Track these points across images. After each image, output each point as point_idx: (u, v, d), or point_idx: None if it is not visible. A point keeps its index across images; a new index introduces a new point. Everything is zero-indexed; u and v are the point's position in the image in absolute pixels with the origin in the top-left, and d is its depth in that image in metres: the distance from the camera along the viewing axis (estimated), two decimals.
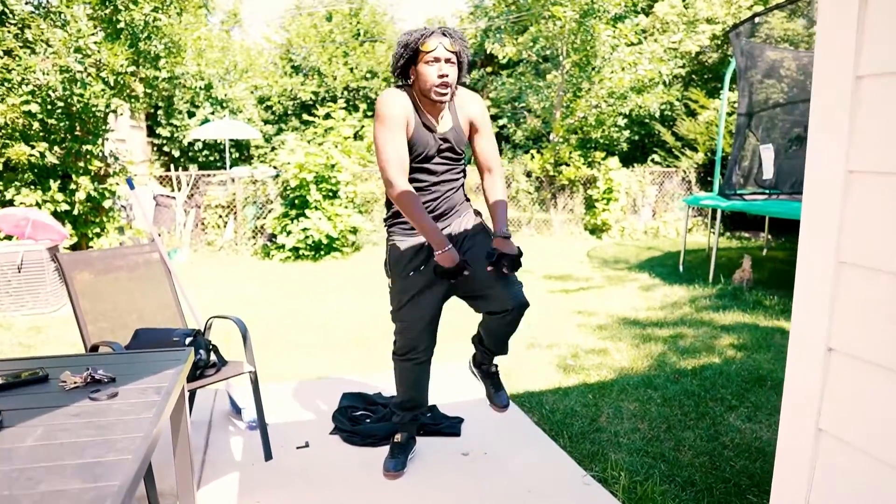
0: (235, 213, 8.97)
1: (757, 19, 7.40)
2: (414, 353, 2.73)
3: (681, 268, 7.69)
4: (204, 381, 2.68)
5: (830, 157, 1.43)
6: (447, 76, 2.31)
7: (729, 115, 11.20)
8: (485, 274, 2.45)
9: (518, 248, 2.48)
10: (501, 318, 2.54)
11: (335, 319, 5.55)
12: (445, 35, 2.32)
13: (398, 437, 2.82)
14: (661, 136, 11.83)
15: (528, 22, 10.00)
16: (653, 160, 11.87)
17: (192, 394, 3.10)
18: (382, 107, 2.32)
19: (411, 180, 2.42)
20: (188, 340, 2.66)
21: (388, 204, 2.60)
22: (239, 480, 2.71)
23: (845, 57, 1.35)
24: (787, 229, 10.48)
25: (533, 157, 10.69)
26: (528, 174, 10.64)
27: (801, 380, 1.63)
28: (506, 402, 2.87)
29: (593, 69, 9.62)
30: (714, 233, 6.85)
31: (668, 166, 11.71)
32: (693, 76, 12.49)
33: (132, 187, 3.23)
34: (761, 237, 10.41)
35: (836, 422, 1.51)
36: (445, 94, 2.34)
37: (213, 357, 2.88)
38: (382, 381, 3.89)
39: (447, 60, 2.31)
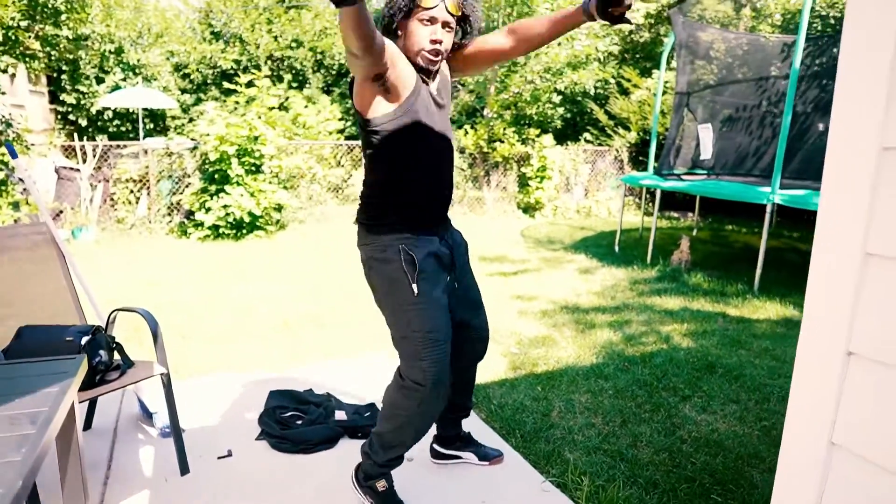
0: (149, 187, 8.27)
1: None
2: (444, 374, 2.06)
3: (616, 248, 7.62)
4: (104, 389, 2.27)
5: (861, 133, 1.20)
6: (440, 43, 1.93)
7: (662, 94, 11.25)
8: (478, 293, 2.32)
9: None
10: (479, 344, 2.38)
11: (258, 304, 5.12)
12: None
13: (383, 486, 2.25)
14: (594, 115, 11.78)
15: None
16: (585, 139, 11.82)
17: (94, 399, 2.66)
18: None
19: (410, 165, 2.00)
20: (84, 340, 2.23)
21: (375, 201, 2.08)
22: (150, 499, 2.32)
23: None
24: (715, 209, 10.66)
25: (466, 132, 10.41)
26: (462, 150, 10.35)
27: (813, 387, 1.40)
28: (500, 452, 2.67)
29: None
30: (652, 213, 6.81)
31: (600, 145, 11.68)
32: (625, 55, 12.49)
33: (14, 155, 2.71)
34: (690, 217, 10.55)
35: (853, 435, 1.30)
36: (434, 65, 1.96)
37: (116, 357, 2.46)
38: (312, 374, 3.54)
39: (445, 24, 1.93)
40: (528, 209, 10.52)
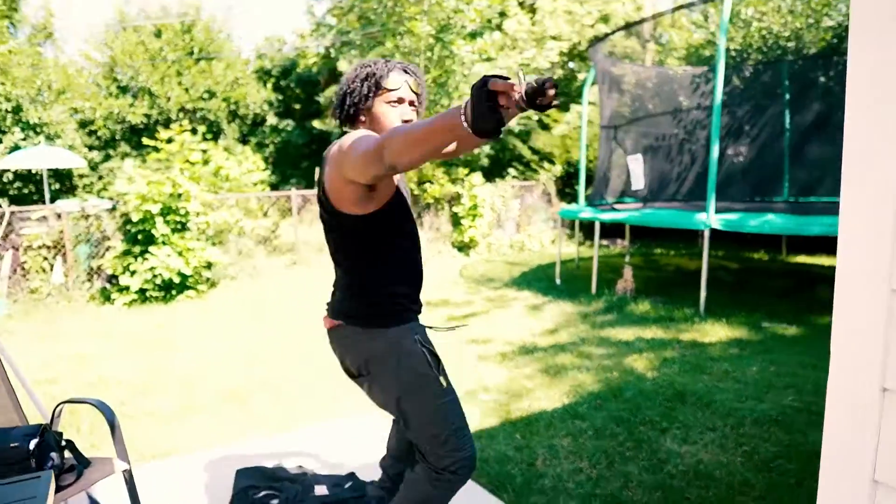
0: (65, 253, 7.71)
1: (612, 36, 7.65)
2: (473, 458, 1.96)
3: (558, 280, 7.69)
4: (61, 496, 1.98)
5: (881, 148, 1.18)
6: (410, 122, 1.84)
7: (579, 128, 11.63)
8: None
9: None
10: None
11: (202, 374, 4.78)
12: (408, 72, 1.89)
13: None
14: (518, 151, 12.03)
15: (382, 38, 9.70)
16: (511, 175, 12.02)
17: None
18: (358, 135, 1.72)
19: (398, 250, 1.89)
20: (33, 444, 1.96)
21: (367, 293, 1.91)
22: None
23: None
24: (642, 234, 11.01)
25: None
26: None
27: (849, 425, 1.36)
28: None
29: (455, 88, 9.50)
30: (583, 243, 6.95)
31: (526, 179, 11.91)
32: None
33: None
34: (619, 243, 10.85)
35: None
36: None
37: (67, 456, 2.18)
38: (278, 446, 3.30)
39: (410, 103, 1.88)
40: (463, 248, 10.53)
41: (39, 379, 4.72)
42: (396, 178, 1.85)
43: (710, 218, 5.54)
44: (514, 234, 10.96)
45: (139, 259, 7.26)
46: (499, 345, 5.23)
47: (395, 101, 1.83)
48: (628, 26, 7.06)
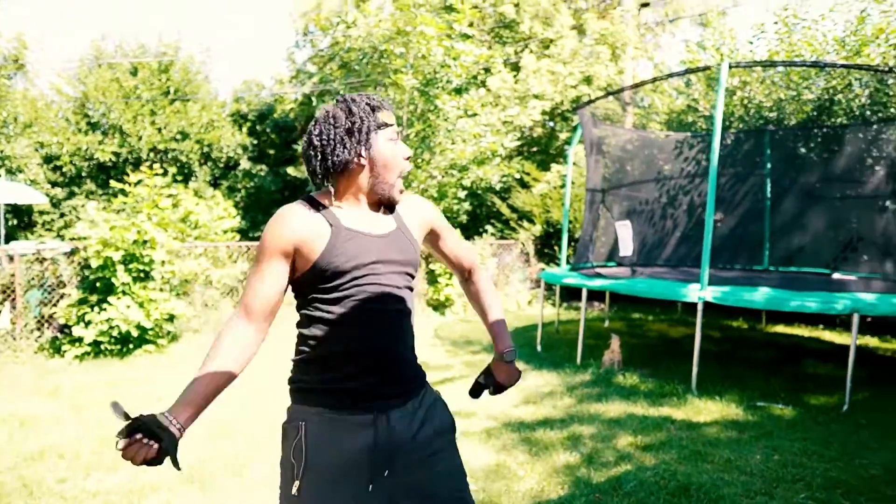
0: (14, 298, 7.18)
1: (600, 100, 7.59)
2: None
3: (538, 347, 7.41)
4: None
5: None
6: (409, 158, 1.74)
7: (562, 186, 11.55)
8: (459, 489, 1.75)
9: (519, 372, 2.05)
10: None
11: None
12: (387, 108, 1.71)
13: None
14: (497, 208, 11.88)
15: (369, 89, 9.56)
16: (489, 231, 11.84)
17: None
18: (264, 232, 1.63)
19: (337, 321, 1.62)
20: None
21: (296, 356, 1.73)
22: None
23: None
24: (619, 297, 10.83)
25: None
26: None
27: None
28: None
29: (437, 142, 9.34)
30: (559, 305, 6.70)
31: (503, 238, 11.73)
32: (522, 150, 12.86)
33: None
34: (597, 306, 10.65)
35: None
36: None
37: None
38: None
39: (398, 135, 1.73)
40: (439, 307, 10.21)
41: None
42: (350, 239, 1.63)
43: (705, 290, 5.34)
44: None
45: (96, 309, 6.78)
46: (482, 419, 4.87)
47: (395, 138, 1.68)
48: (620, 90, 6.99)
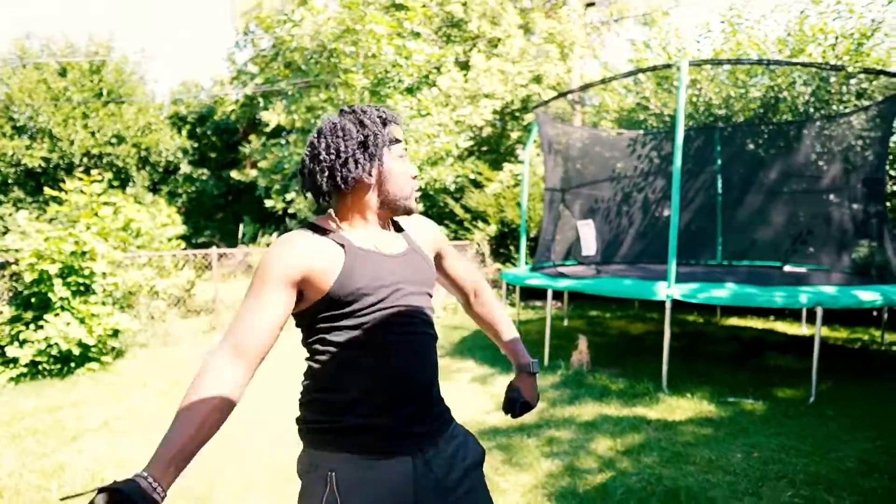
0: None
1: (554, 101, 7.53)
2: None
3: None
4: None
5: None
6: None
7: (515, 186, 11.51)
8: None
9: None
10: None
11: (103, 476, 3.98)
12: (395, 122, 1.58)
13: None
14: (450, 209, 11.74)
15: (316, 89, 9.26)
16: (443, 233, 11.67)
17: None
18: (264, 259, 1.43)
19: (362, 349, 1.43)
20: None
21: (308, 396, 1.51)
22: None
23: None
24: (576, 295, 10.85)
25: None
26: None
27: None
28: None
29: None
30: (515, 304, 6.60)
31: (458, 238, 11.60)
32: (474, 150, 12.76)
33: None
34: (554, 305, 10.62)
35: None
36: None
37: None
38: None
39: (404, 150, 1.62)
40: None
41: None
42: (366, 262, 1.47)
43: (672, 289, 5.32)
44: (447, 296, 10.53)
45: (31, 326, 6.29)
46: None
47: (402, 155, 1.56)
48: (582, 88, 6.94)
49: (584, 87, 7.21)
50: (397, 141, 1.54)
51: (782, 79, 8.58)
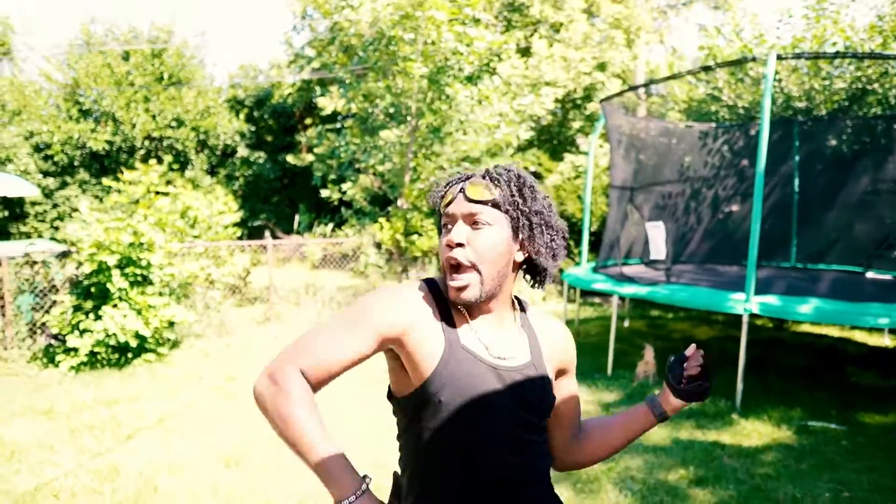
0: (3, 305, 6.74)
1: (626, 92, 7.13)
2: None
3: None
4: None
5: None
6: (461, 246, 1.25)
7: (576, 178, 11.11)
8: None
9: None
10: None
11: (161, 483, 3.92)
12: (482, 176, 1.30)
13: None
14: None
15: (375, 76, 9.07)
16: None
17: None
18: (370, 296, 1.28)
19: (435, 450, 1.24)
20: None
21: (397, 489, 1.29)
22: None
23: None
24: None
25: (382, 226, 9.63)
26: (378, 245, 9.54)
27: None
28: None
29: (448, 133, 8.87)
30: (574, 300, 6.29)
31: None
32: (534, 140, 12.38)
33: None
34: (612, 303, 10.24)
35: None
36: (457, 285, 1.25)
37: None
38: None
39: (469, 218, 1.26)
40: None
41: None
42: (464, 359, 1.24)
43: (751, 303, 4.94)
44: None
45: (91, 316, 6.35)
46: None
47: (447, 222, 1.31)
48: (664, 79, 6.52)
49: (663, 80, 6.76)
50: (447, 206, 1.29)
51: (873, 69, 7.93)
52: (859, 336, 8.22)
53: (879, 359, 6.94)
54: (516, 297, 1.39)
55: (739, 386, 5.06)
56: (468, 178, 1.30)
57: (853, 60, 8.19)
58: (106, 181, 8.76)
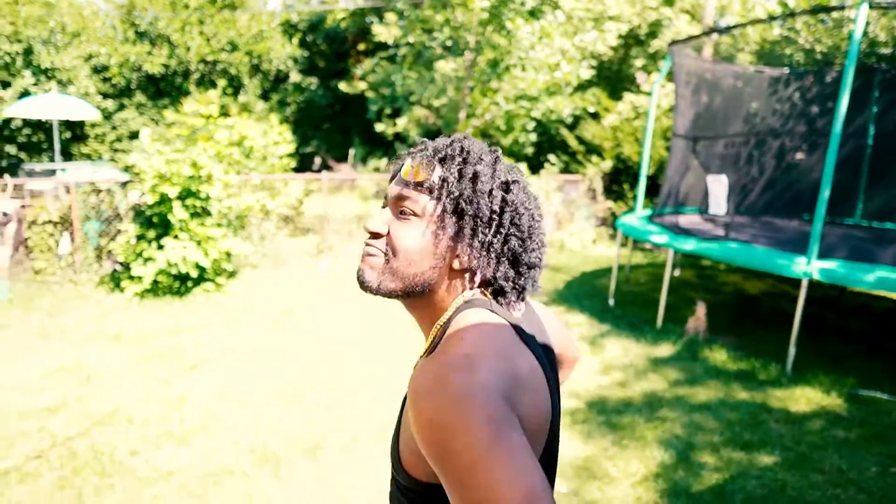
0: (72, 230, 7.05)
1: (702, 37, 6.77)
2: None
3: (611, 300, 7.01)
4: None
5: None
6: (377, 237, 1.03)
7: (635, 118, 10.76)
8: None
9: None
10: None
11: (224, 411, 4.16)
12: (431, 151, 1.03)
13: None
14: (562, 139, 11.18)
15: (431, 8, 8.80)
16: (550, 162, 11.19)
17: None
18: (461, 379, 0.83)
19: None
20: None
21: None
22: None
23: None
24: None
25: None
26: None
27: None
28: None
29: (506, 68, 8.63)
30: (625, 245, 6.21)
31: (566, 171, 11.10)
32: (593, 78, 11.95)
33: None
34: (667, 254, 10.11)
35: None
36: (366, 281, 1.03)
37: None
38: None
39: (397, 202, 1.03)
40: None
41: (38, 407, 4.10)
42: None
43: (812, 266, 4.81)
44: (553, 231, 10.23)
45: (153, 245, 6.59)
46: (565, 396, 4.57)
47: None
48: (724, 30, 6.16)
49: (737, 27, 6.32)
50: (390, 181, 1.09)
51: None
52: None
53: None
54: (450, 320, 1.00)
55: (791, 350, 5.00)
56: (421, 151, 1.05)
57: None
58: (165, 112, 8.85)
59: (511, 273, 1.01)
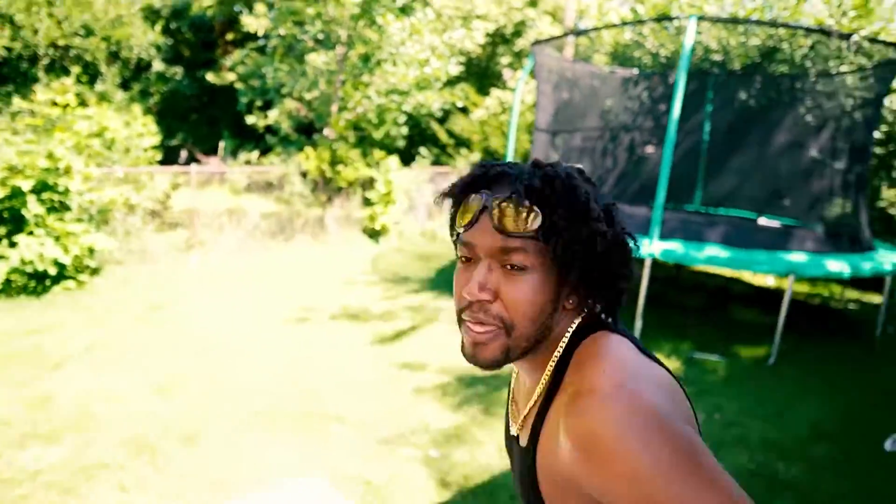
0: None
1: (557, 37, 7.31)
2: None
3: None
4: None
5: None
6: (487, 302, 0.88)
7: (501, 113, 11.31)
8: None
9: None
10: None
11: (93, 408, 4.06)
12: (523, 191, 0.86)
13: None
14: (434, 133, 11.54)
15: (305, 1, 8.79)
16: (420, 154, 11.50)
17: None
18: (645, 403, 0.77)
19: None
20: None
21: None
22: None
23: None
24: None
25: (308, 155, 9.58)
26: (304, 175, 9.52)
27: None
28: None
29: (377, 62, 8.82)
30: None
31: (436, 163, 11.48)
32: (462, 75, 12.40)
33: None
34: None
35: None
36: (477, 344, 0.90)
37: None
38: None
39: (500, 256, 0.88)
40: (374, 235, 10.01)
41: None
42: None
43: (654, 246, 5.42)
44: (425, 222, 10.56)
45: (4, 243, 6.18)
46: (434, 373, 4.86)
47: (462, 258, 0.93)
48: (580, 32, 6.72)
49: (593, 30, 6.93)
50: (466, 229, 0.90)
51: (784, 29, 8.43)
52: (747, 276, 9.06)
53: (761, 298, 7.74)
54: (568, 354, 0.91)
55: (638, 323, 5.60)
56: (496, 180, 0.91)
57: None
58: (17, 103, 8.24)
59: (617, 290, 0.95)
